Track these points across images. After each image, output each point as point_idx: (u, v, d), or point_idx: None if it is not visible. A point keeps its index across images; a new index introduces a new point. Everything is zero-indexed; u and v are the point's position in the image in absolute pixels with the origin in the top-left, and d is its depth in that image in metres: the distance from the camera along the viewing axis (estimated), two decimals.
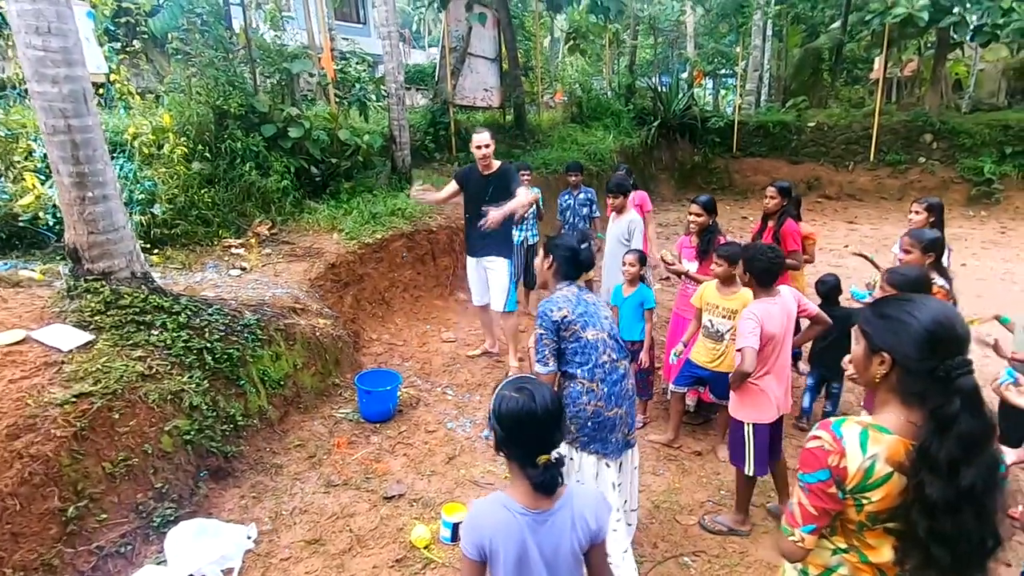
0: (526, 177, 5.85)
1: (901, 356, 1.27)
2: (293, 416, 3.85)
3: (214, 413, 3.22)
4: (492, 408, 1.50)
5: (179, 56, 6.25)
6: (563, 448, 2.46)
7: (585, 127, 12.42)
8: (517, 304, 4.84)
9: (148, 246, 4.91)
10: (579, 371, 2.42)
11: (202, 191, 5.47)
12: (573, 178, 6.04)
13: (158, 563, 2.58)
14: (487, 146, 4.48)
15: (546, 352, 2.40)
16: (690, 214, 4.10)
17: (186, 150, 5.41)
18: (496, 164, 4.58)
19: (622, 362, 2.51)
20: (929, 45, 14.09)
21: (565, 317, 2.37)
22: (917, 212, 3.89)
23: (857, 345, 1.38)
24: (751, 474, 2.96)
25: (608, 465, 2.50)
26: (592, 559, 1.54)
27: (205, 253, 5.16)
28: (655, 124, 13.23)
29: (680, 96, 14.13)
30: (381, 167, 7.68)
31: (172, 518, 2.78)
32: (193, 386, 3.14)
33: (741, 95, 15.08)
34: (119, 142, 5.29)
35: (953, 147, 12.30)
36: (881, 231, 10.26)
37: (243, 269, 4.88)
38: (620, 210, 4.71)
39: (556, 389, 2.44)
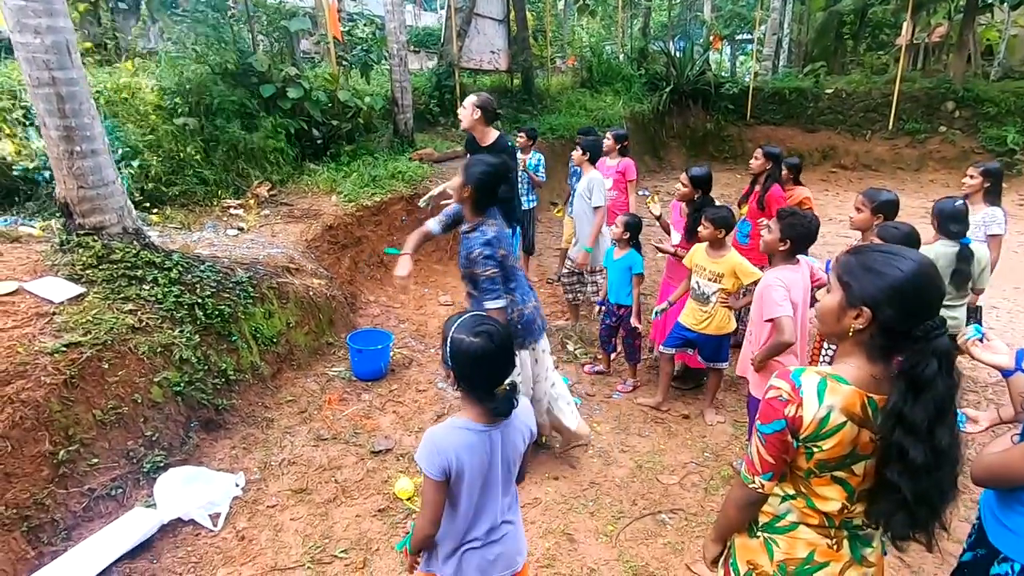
0: (520, 138, 5.72)
1: (884, 313, 1.22)
2: (286, 373, 3.92)
3: (205, 367, 3.29)
4: (449, 351, 1.55)
5: (176, 12, 6.19)
6: None
7: (595, 92, 12.17)
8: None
9: (148, 205, 4.96)
10: (503, 292, 2.73)
11: (199, 151, 5.47)
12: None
13: (148, 506, 2.68)
14: (464, 108, 4.00)
15: (499, 290, 2.63)
16: (679, 182, 4.04)
17: (179, 109, 5.39)
18: (492, 136, 4.11)
19: (518, 266, 2.94)
20: (960, 9, 13.47)
21: (506, 257, 2.69)
22: (972, 176, 3.71)
23: (831, 296, 1.32)
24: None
25: (534, 348, 2.99)
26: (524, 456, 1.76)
27: (204, 213, 5.19)
28: (667, 90, 12.91)
29: (694, 61, 13.74)
30: (383, 130, 7.62)
31: (162, 465, 2.87)
32: (184, 340, 3.20)
33: (758, 60, 14.62)
34: (114, 100, 5.30)
35: (976, 116, 11.88)
36: None
37: (240, 229, 4.91)
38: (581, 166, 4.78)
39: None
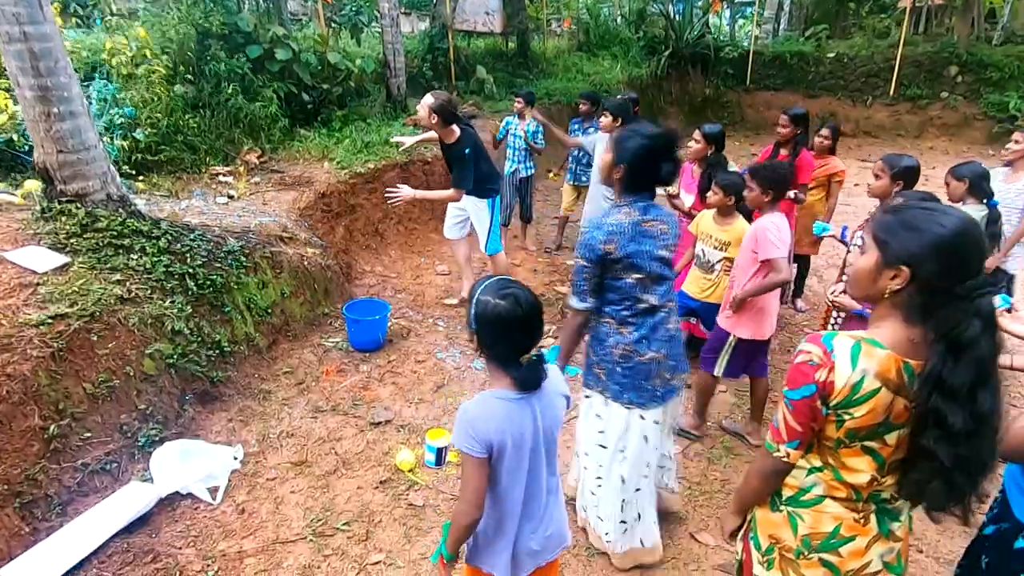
0: (519, 105, 5.53)
1: (925, 272, 1.15)
2: (282, 344, 3.84)
3: (198, 338, 3.20)
4: (473, 313, 1.47)
5: None
6: (594, 401, 2.28)
7: (592, 56, 11.88)
8: (501, 245, 4.49)
9: (133, 172, 4.79)
10: (609, 309, 2.13)
11: (186, 116, 5.28)
12: (584, 106, 5.72)
13: (144, 480, 2.62)
14: (421, 109, 3.86)
15: (585, 286, 2.08)
16: (691, 139, 3.91)
17: (167, 71, 5.18)
18: (455, 135, 3.94)
19: (667, 304, 2.20)
20: None
21: (610, 254, 2.02)
22: (1018, 141, 3.59)
23: (866, 257, 1.24)
24: (719, 374, 3.06)
25: (642, 417, 2.21)
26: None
27: (192, 181, 5.03)
28: (666, 54, 12.58)
29: (694, 24, 13.38)
30: (375, 94, 7.39)
31: (157, 438, 2.80)
32: (175, 311, 3.09)
33: (758, 24, 14.26)
34: (97, 62, 5.07)
35: (979, 81, 11.68)
36: None
37: (230, 197, 4.76)
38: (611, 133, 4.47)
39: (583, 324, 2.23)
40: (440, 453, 2.97)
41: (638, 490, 2.33)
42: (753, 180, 2.90)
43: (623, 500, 2.32)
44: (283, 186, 5.13)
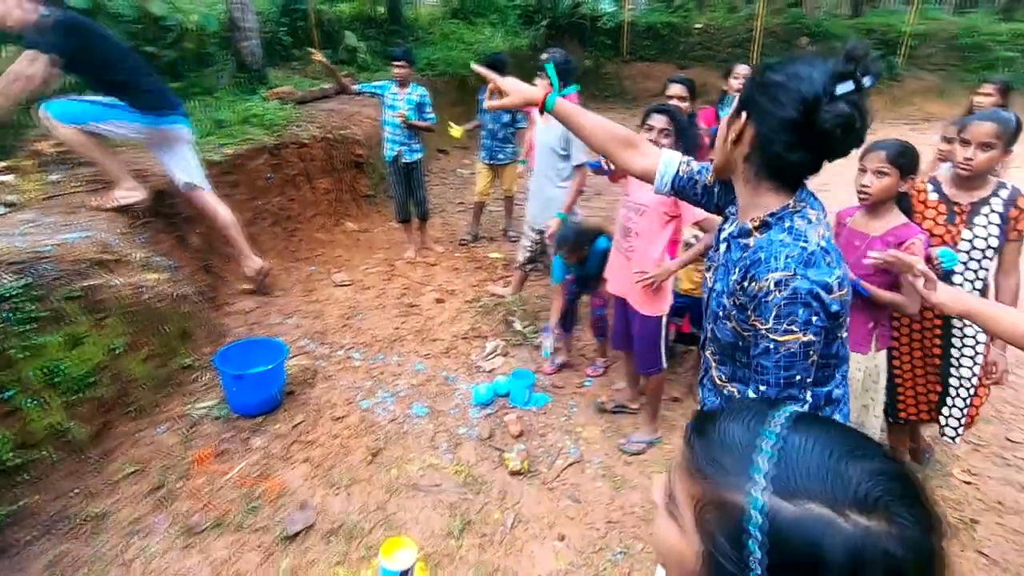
0: (399, 68, 4.28)
1: None
2: (119, 427, 2.52)
3: None
4: (770, 542, 0.48)
5: None
6: None
7: (470, 24, 10.91)
8: (197, 180, 3.53)
9: None
10: (812, 394, 1.14)
11: None
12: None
13: None
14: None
15: (808, 376, 1.11)
16: (671, 97, 3.17)
17: None
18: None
19: None
20: None
21: (844, 299, 1.09)
22: (988, 94, 3.16)
23: None
24: (665, 367, 2.72)
25: None
26: None
27: None
28: (544, 24, 12.04)
29: None
30: (223, 63, 5.81)
31: None
32: None
33: None
34: None
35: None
36: None
37: (10, 205, 3.20)
38: None
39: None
40: None
41: None
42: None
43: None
44: (99, 184, 3.61)
